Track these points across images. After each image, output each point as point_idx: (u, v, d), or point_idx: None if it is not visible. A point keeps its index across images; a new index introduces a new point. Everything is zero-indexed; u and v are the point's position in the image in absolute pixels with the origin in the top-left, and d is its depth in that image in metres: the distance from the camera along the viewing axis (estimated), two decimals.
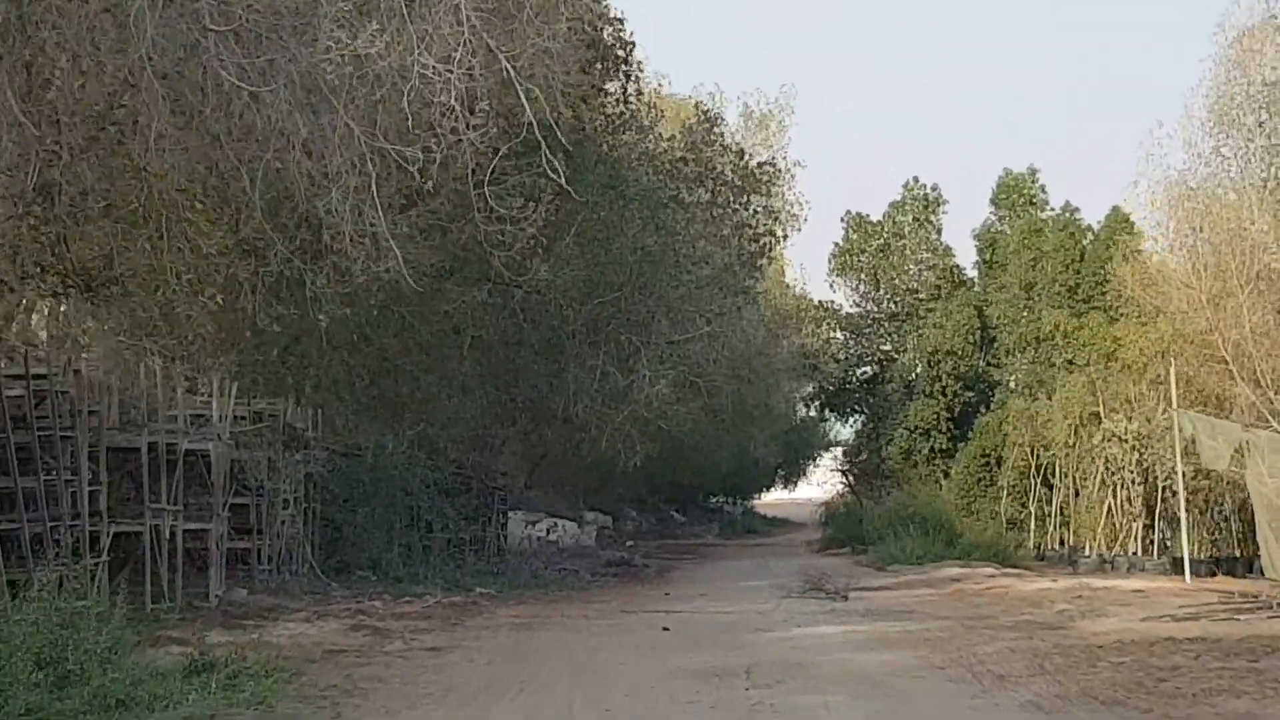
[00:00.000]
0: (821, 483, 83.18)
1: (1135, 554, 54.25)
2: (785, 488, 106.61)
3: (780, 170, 44.98)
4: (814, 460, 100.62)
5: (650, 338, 40.43)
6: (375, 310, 35.84)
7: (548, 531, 59.67)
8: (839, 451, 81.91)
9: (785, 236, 45.27)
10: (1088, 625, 27.63)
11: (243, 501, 33.71)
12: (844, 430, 79.51)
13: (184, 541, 30.42)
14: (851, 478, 77.04)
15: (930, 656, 23.04)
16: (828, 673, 21.37)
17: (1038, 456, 60.15)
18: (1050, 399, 60.66)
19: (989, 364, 67.11)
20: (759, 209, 43.83)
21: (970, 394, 66.71)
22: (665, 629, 28.46)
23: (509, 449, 53.42)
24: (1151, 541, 54.82)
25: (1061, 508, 60.16)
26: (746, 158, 42.42)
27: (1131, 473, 54.15)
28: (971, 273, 70.91)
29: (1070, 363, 61.31)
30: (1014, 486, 61.78)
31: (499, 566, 43.29)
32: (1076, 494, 59.07)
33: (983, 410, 67.21)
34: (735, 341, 49.08)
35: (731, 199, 42.54)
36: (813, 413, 77.24)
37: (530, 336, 40.76)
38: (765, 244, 43.68)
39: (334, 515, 38.53)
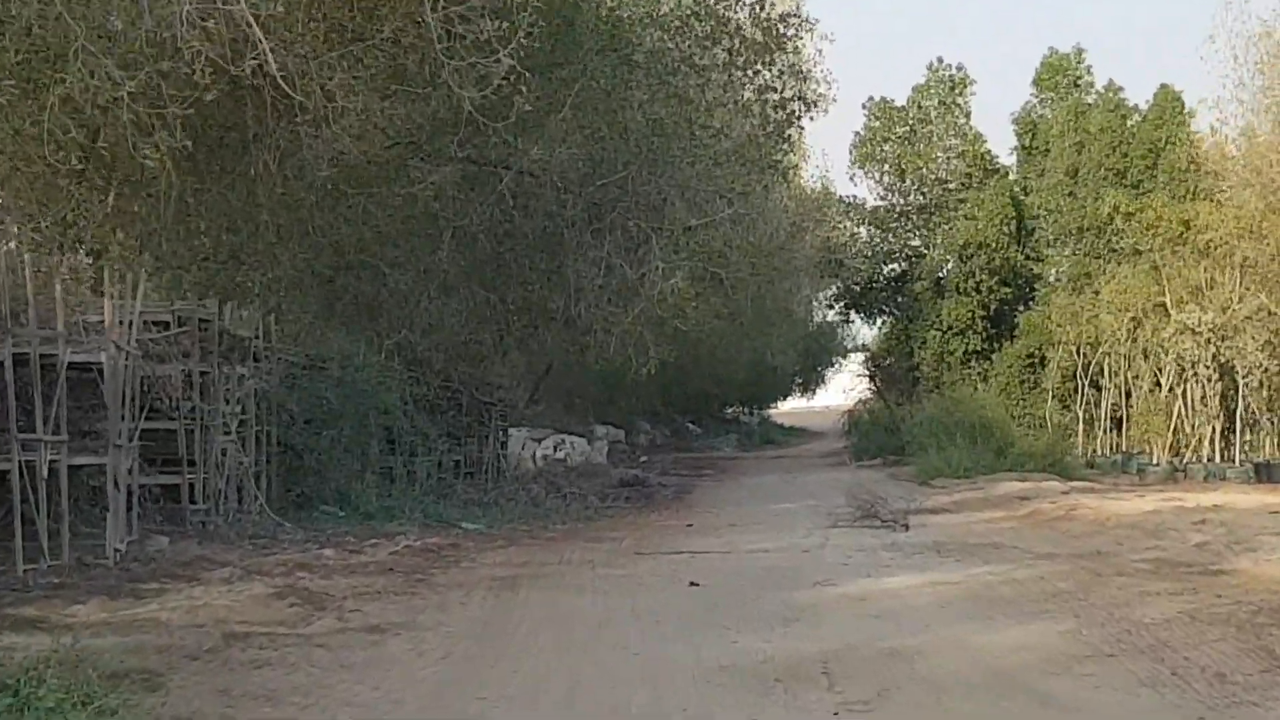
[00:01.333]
0: (848, 389, 75.46)
1: (1210, 459, 46.99)
2: (803, 396, 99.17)
3: (806, 22, 37.21)
4: (833, 367, 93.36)
5: (662, 223, 33.00)
6: (325, 192, 28.43)
7: (555, 449, 52.34)
8: (862, 357, 74.21)
9: (812, 107, 37.00)
10: (1255, 567, 20.08)
11: (171, 427, 26.02)
12: (868, 333, 71.95)
13: (84, 481, 23.08)
14: (878, 383, 69.33)
15: (1080, 632, 15.53)
16: (945, 671, 13.87)
17: (1085, 356, 52.94)
18: (1098, 293, 53.36)
19: (1027, 257, 59.51)
20: (784, 70, 36.04)
21: (1007, 290, 59.11)
22: (693, 584, 20.91)
23: (508, 360, 46.09)
24: (1228, 445, 47.57)
25: (1113, 410, 53.17)
26: (768, 7, 34.61)
27: (1208, 369, 46.61)
28: (1006, 161, 63.22)
29: (1136, 250, 53.79)
30: (1058, 389, 54.62)
31: (493, 494, 36.00)
32: (1128, 395, 52.12)
33: (1021, 308, 59.72)
34: (760, 228, 41.49)
35: (753, 58, 34.78)
36: (837, 315, 69.01)
37: (522, 226, 33.31)
38: (793, 111, 35.93)
39: (293, 440, 31.08)
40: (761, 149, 35.14)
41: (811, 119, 39.15)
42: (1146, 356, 51.84)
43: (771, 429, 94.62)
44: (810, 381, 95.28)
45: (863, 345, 73.06)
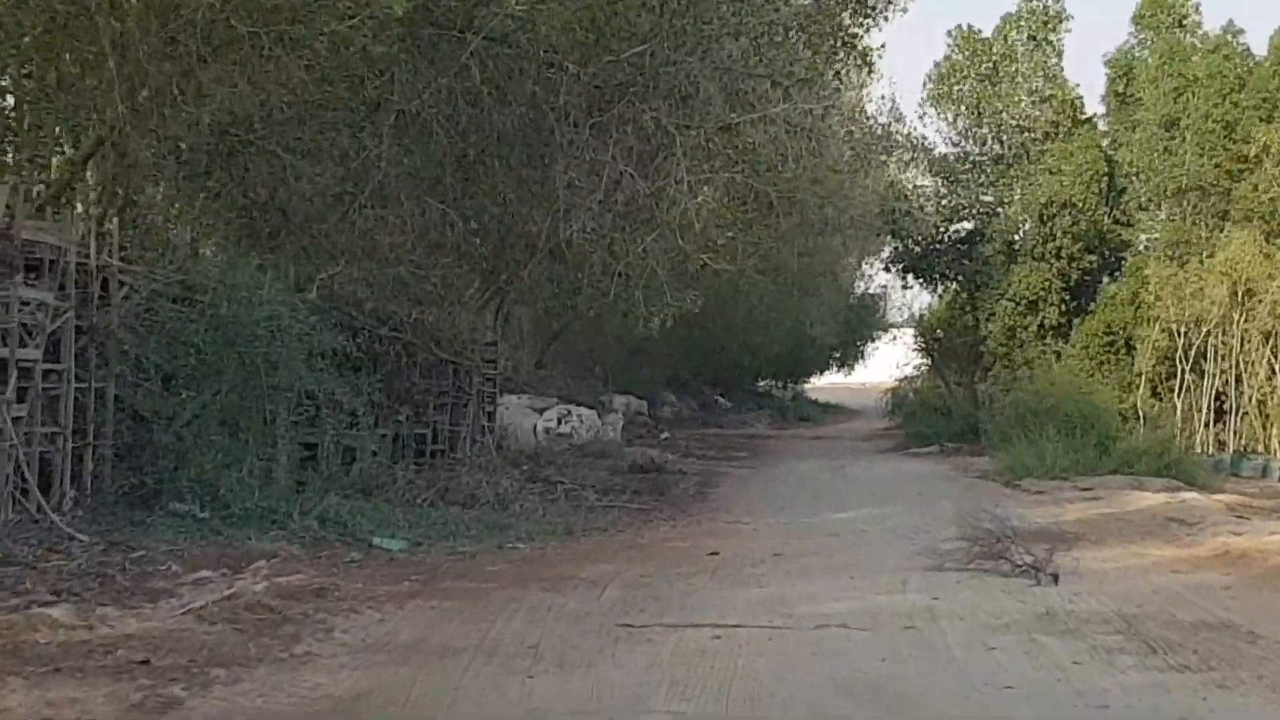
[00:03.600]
0: (900, 364, 63.25)
1: None
2: (840, 371, 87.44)
3: None
4: (873, 342, 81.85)
5: (691, 118, 21.95)
6: (204, 30, 17.46)
7: (559, 422, 40.70)
8: (912, 329, 62.45)
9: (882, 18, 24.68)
10: None
11: None
12: (923, 300, 59.79)
13: None
14: (935, 359, 57.37)
15: None
16: None
17: (1186, 335, 41.53)
18: (1203, 262, 41.97)
19: (1115, 221, 47.80)
20: None
21: (1091, 258, 47.47)
22: None
23: (490, 307, 34.83)
24: None
25: (1218, 399, 41.89)
26: None
27: None
28: (1096, 109, 51.32)
29: (1249, 215, 42.64)
30: (1151, 374, 43.22)
31: (444, 488, 24.15)
32: (1238, 382, 40.96)
33: (1105, 279, 48.01)
34: (826, 137, 29.99)
35: None
36: (895, 276, 56.50)
37: (494, 115, 22.10)
38: None
39: (140, 405, 19.64)
40: (834, 19, 23.67)
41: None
42: (1269, 339, 40.56)
43: (806, 405, 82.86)
44: (848, 356, 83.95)
45: (913, 317, 60.97)
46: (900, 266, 53.57)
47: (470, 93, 21.52)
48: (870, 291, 76.58)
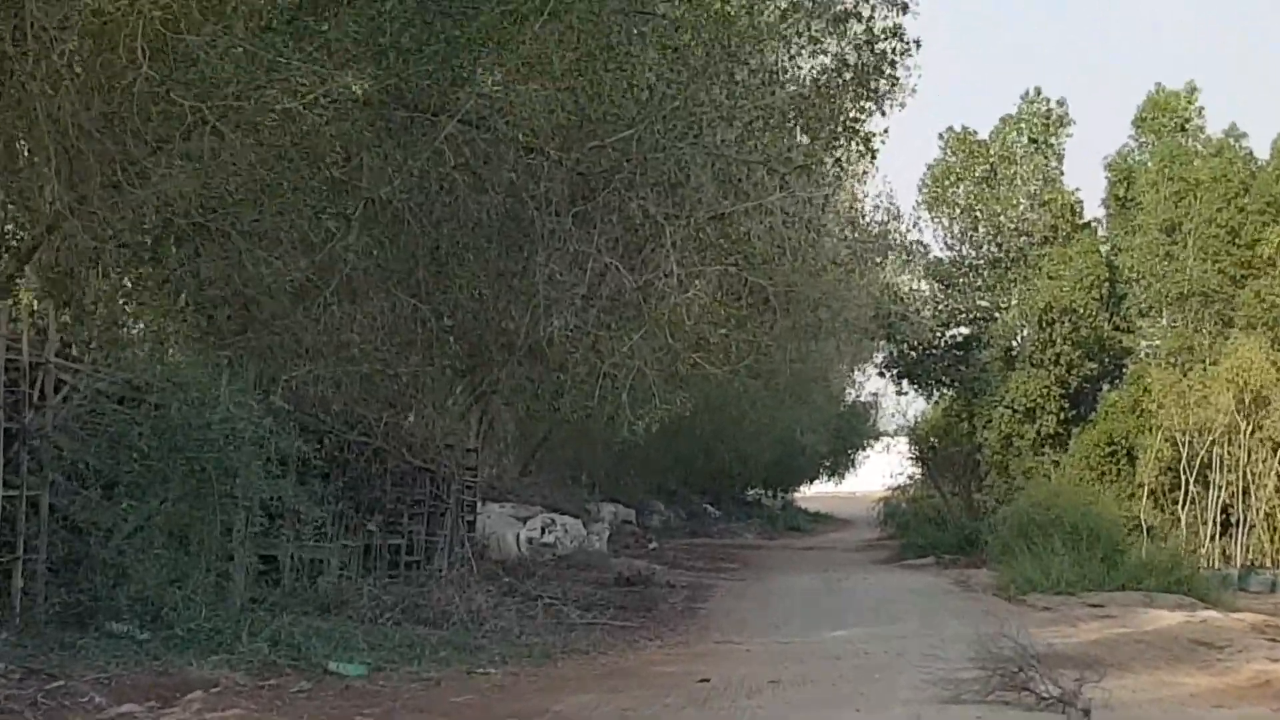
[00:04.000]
0: (893, 473, 61.24)
1: None
2: (830, 480, 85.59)
3: None
4: (863, 450, 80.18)
5: (681, 207, 20.06)
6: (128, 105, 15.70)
7: (542, 532, 38.81)
8: (905, 437, 60.54)
9: (912, 51, 22.52)
10: None
11: None
12: (918, 408, 57.68)
13: None
14: (930, 468, 55.35)
15: None
16: None
17: (1190, 445, 39.74)
18: (1207, 369, 40.34)
19: (1116, 328, 46.10)
20: None
21: (1091, 365, 45.76)
22: None
23: (477, 411, 32.97)
24: None
25: (1224, 511, 40.13)
26: None
27: None
28: (1095, 213, 49.70)
29: (1252, 322, 41.09)
30: (1155, 483, 41.40)
31: (420, 603, 22.08)
32: (1245, 493, 39.17)
33: (1105, 386, 46.15)
34: (824, 228, 28.17)
35: None
36: (888, 383, 54.58)
37: (470, 204, 20.20)
38: (886, 51, 22.36)
39: (77, 515, 17.74)
40: (834, 103, 21.93)
41: (908, 72, 24.97)
42: (1278, 449, 38.81)
43: (796, 515, 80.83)
44: (838, 465, 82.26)
45: (906, 425, 58.94)
46: (895, 372, 51.74)
47: (444, 179, 19.81)
48: (861, 399, 75.06)
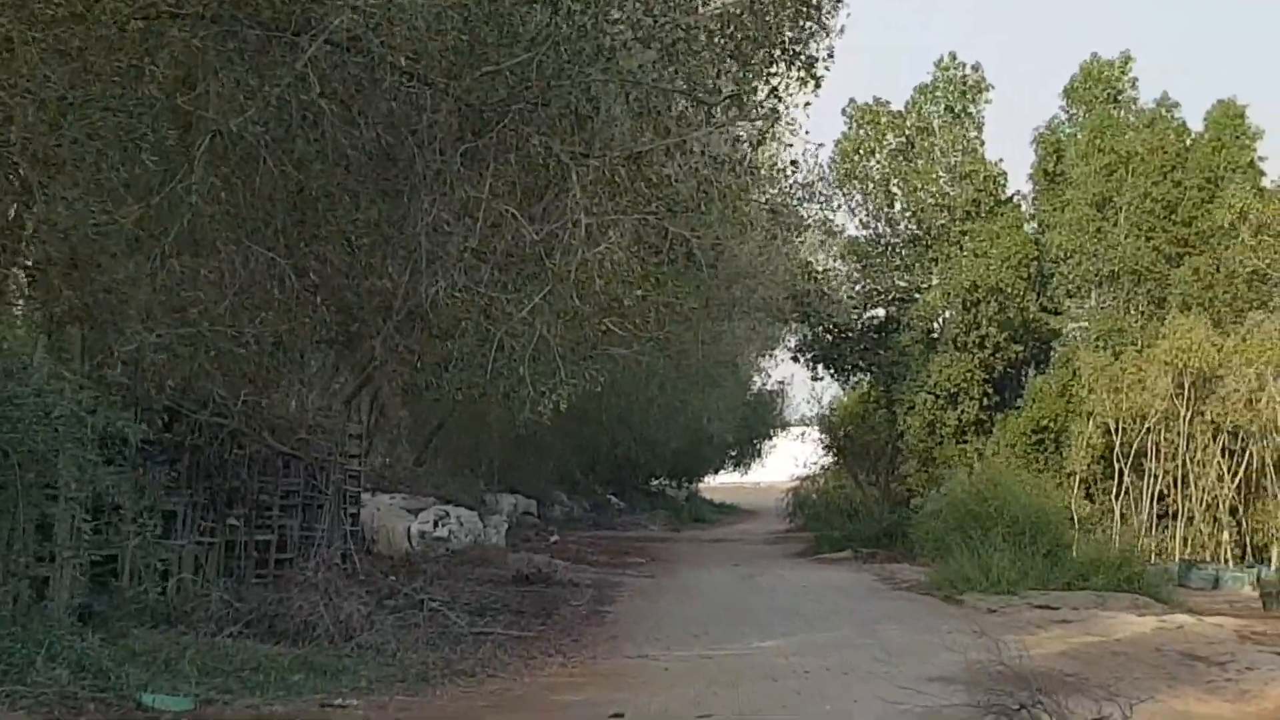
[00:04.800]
0: (807, 462, 57.49)
1: None
2: (736, 471, 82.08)
3: None
4: (770, 440, 76.87)
5: (591, 144, 16.42)
6: None
7: (435, 525, 35.11)
8: (811, 427, 57.14)
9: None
10: None
11: None
12: (832, 394, 53.88)
13: None
14: (846, 458, 51.64)
15: None
16: None
17: (1125, 431, 36.42)
18: (1141, 351, 36.97)
19: (1043, 308, 42.71)
20: None
21: (1018, 348, 42.34)
22: None
23: (368, 395, 29.57)
24: None
25: (1160, 502, 36.79)
26: None
27: None
28: (1022, 188, 46.24)
29: (1187, 302, 37.90)
30: (1086, 473, 38.18)
31: (279, 613, 18.25)
32: (1183, 483, 36.09)
33: (1032, 370, 42.87)
34: (757, 168, 24.60)
35: None
36: (802, 368, 50.62)
37: (339, 140, 16.44)
38: None
39: None
40: (769, 22, 18.29)
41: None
42: (1217, 435, 35.70)
43: (701, 506, 77.23)
44: (745, 455, 78.87)
45: (820, 412, 55.28)
46: (810, 356, 47.82)
47: (308, 110, 16.03)
48: (768, 388, 71.81)
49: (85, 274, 16.86)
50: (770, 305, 42.32)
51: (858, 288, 46.18)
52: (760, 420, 73.42)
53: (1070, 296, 42.71)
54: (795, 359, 48.15)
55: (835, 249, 46.11)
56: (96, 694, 13.00)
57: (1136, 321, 40.13)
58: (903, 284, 45.66)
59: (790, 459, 61.11)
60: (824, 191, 44.30)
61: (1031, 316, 42.53)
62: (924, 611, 25.58)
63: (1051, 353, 42.78)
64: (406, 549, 33.60)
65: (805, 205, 41.74)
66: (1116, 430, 37.21)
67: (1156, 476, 37.06)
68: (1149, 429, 36.71)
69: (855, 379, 48.60)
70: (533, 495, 51.29)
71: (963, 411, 42.49)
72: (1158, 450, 36.96)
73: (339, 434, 27.78)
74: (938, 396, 42.75)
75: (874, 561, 39.31)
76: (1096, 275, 41.28)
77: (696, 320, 32.67)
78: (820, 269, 45.73)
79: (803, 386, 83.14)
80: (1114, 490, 37.53)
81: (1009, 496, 31.43)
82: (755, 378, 66.80)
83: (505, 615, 22.64)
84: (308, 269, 17.73)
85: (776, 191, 35.75)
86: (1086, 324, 41.79)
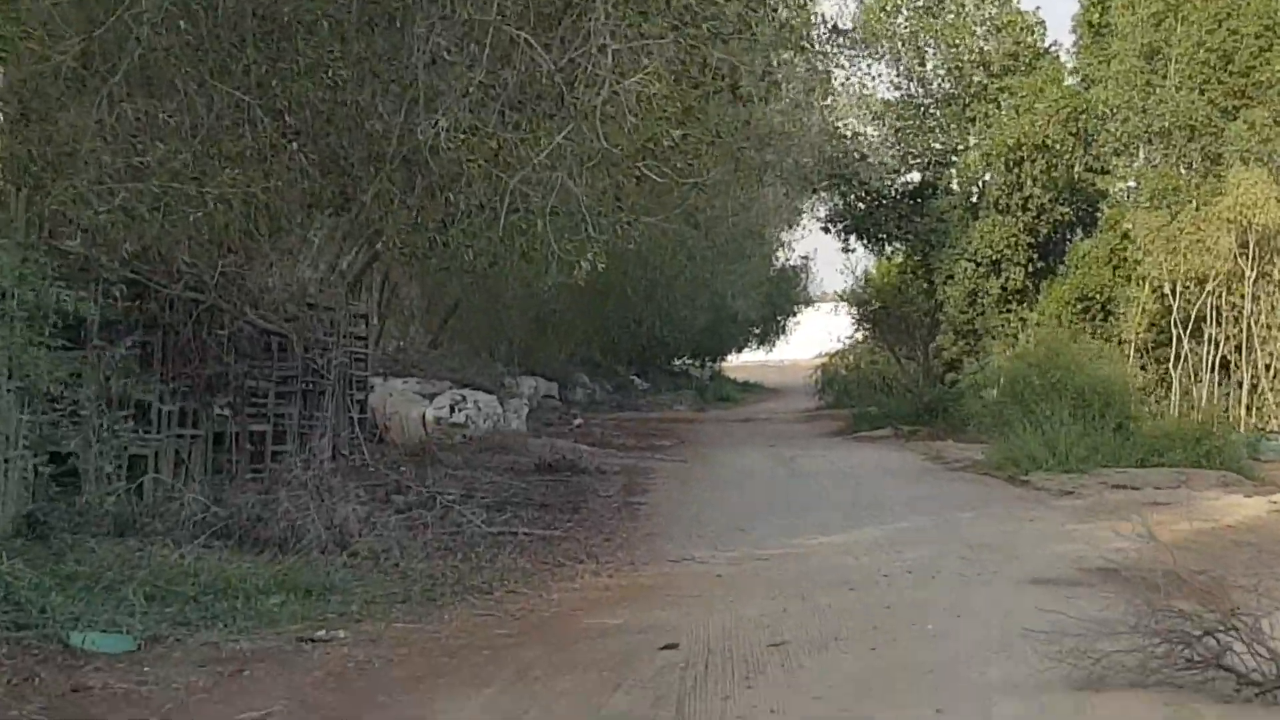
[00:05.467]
0: (839, 336, 54.18)
1: None
2: (761, 348, 78.93)
3: None
4: (794, 317, 73.80)
5: None
6: None
7: (451, 410, 32.22)
8: (832, 303, 54.05)
9: None
10: None
11: None
12: (863, 264, 50.59)
13: None
14: (883, 330, 48.34)
15: None
16: None
17: (1183, 295, 34.16)
18: (1199, 209, 34.22)
19: (1088, 168, 39.40)
20: None
21: (1064, 210, 39.05)
22: None
23: (379, 275, 26.73)
24: None
25: (1222, 369, 34.54)
26: None
27: None
28: (1059, 41, 42.78)
29: (1244, 157, 34.67)
30: (1140, 341, 35.21)
31: (263, 516, 15.25)
32: (1245, 348, 33.22)
33: (1079, 234, 39.80)
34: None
35: None
36: (834, 238, 47.27)
37: None
38: None
39: None
40: None
41: None
42: None
43: (725, 385, 74.09)
44: (769, 332, 75.66)
45: (852, 285, 52.02)
46: (841, 226, 44.56)
47: None
48: (791, 263, 68.70)
49: (20, 126, 13.87)
50: (801, 172, 39.20)
51: (891, 152, 42.84)
52: (784, 296, 70.24)
53: (1117, 155, 39.42)
54: (826, 229, 44.80)
55: (867, 112, 42.62)
56: (12, 631, 10.07)
57: (1191, 179, 36.88)
58: (938, 146, 42.39)
59: (815, 336, 58.16)
60: (852, 51, 40.98)
61: (1077, 177, 39.29)
62: (991, 496, 22.62)
63: (1097, 216, 39.63)
64: (421, 436, 30.79)
65: (837, 60, 38.46)
66: (1174, 294, 34.17)
67: (1218, 343, 34.00)
68: (1210, 292, 33.62)
69: (890, 249, 45.35)
70: (554, 378, 48.40)
71: (1006, 279, 39.34)
72: (1219, 314, 33.90)
73: (341, 312, 24.81)
74: (979, 264, 39.60)
75: (916, 439, 36.43)
76: (1146, 132, 37.90)
77: (728, 187, 29.81)
78: (850, 134, 42.35)
79: (826, 262, 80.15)
80: (1171, 358, 34.51)
81: (1073, 366, 28.38)
82: (779, 252, 63.60)
83: (528, 510, 19.67)
84: (284, 112, 14.60)
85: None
86: (1136, 183, 38.59)
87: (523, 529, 17.68)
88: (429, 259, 18.20)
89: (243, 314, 18.16)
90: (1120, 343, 35.04)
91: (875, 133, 43.02)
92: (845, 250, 46.03)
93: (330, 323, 24.33)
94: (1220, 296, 33.71)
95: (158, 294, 16.89)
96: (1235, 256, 33.05)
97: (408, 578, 13.52)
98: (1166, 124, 37.26)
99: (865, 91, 42.33)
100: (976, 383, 34.50)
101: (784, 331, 75.69)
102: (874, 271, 49.67)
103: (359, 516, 15.70)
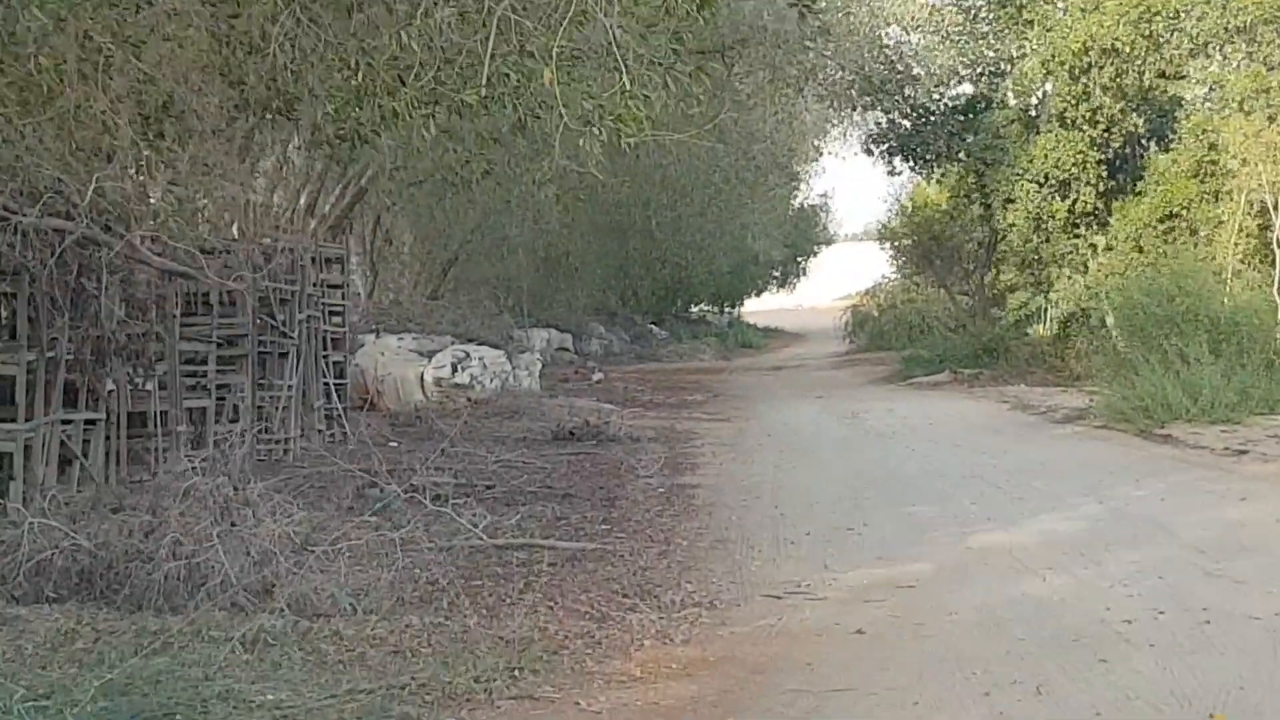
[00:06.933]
0: (881, 273, 48.47)
1: None
2: (782, 291, 73.38)
3: None
4: (814, 257, 68.53)
5: None
6: None
7: (454, 369, 26.81)
8: (879, 236, 48.22)
9: None
10: None
11: None
12: (906, 190, 44.56)
13: None
14: (936, 263, 42.13)
15: None
16: None
17: None
18: None
19: (1160, 74, 33.32)
20: None
21: (1137, 121, 33.05)
22: None
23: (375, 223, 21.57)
24: None
25: None
26: None
27: None
28: None
29: None
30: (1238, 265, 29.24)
31: (143, 544, 9.58)
32: None
33: (1152, 148, 33.91)
34: None
35: None
36: (879, 159, 40.94)
37: None
38: None
39: None
40: None
41: None
42: None
43: (747, 331, 67.58)
44: (789, 274, 70.19)
45: (892, 216, 45.93)
46: (884, 148, 38.27)
47: None
48: (810, 202, 63.11)
49: None
50: (841, 85, 33.41)
51: (939, 62, 36.58)
52: (804, 236, 64.85)
53: (1193, 57, 33.53)
54: (869, 151, 38.20)
55: (911, 18, 36.26)
56: None
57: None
58: (991, 54, 36.27)
59: (835, 277, 52.88)
60: None
61: (1149, 84, 33.31)
62: (1140, 459, 16.90)
63: (1173, 126, 33.77)
64: (420, 401, 25.35)
65: None
66: (1276, 209, 28.39)
67: None
68: None
69: (939, 171, 39.01)
70: (567, 329, 43.10)
71: (1076, 200, 33.36)
72: None
73: (305, 254, 19.13)
74: (1042, 185, 33.54)
75: (981, 384, 30.97)
76: (1226, 29, 32.03)
77: (765, 98, 24.31)
78: (894, 41, 36.09)
79: (845, 199, 75.01)
80: (1276, 283, 28.69)
81: (1206, 292, 22.56)
82: (800, 189, 57.62)
83: (547, 504, 13.95)
84: None
85: None
86: (1218, 86, 32.72)
87: (541, 540, 11.96)
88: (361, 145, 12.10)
89: (133, 250, 12.28)
90: (1214, 268, 29.21)
91: (920, 40, 36.72)
92: (891, 174, 39.75)
93: (291, 266, 18.74)
94: None
95: (6, 224, 11.16)
96: None
97: (344, 669, 7.76)
98: (1250, 18, 31.39)
99: None
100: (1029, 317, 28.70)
101: (804, 273, 70.42)
102: (908, 202, 43.79)
103: (298, 542, 10.00)
